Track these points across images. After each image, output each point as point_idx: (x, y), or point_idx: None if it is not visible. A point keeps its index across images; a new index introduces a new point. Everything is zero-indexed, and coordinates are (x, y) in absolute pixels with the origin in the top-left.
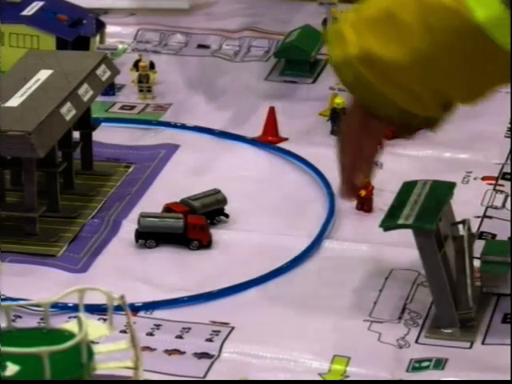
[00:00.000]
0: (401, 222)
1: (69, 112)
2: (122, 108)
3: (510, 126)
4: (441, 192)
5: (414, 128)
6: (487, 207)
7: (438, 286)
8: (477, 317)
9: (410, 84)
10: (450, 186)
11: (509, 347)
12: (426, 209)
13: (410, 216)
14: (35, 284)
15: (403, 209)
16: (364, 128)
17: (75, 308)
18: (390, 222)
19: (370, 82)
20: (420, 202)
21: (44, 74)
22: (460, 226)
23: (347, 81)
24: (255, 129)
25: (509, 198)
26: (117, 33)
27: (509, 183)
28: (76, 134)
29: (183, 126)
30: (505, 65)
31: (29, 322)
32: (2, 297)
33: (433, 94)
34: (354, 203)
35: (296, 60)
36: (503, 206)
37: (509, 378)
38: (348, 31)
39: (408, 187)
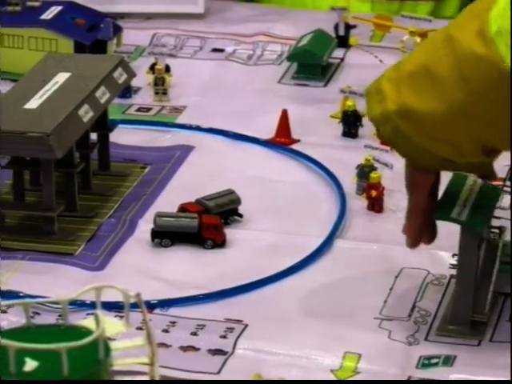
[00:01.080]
0: (454, 216)
1: (86, 114)
2: (139, 110)
3: None
4: (489, 195)
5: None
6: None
7: (465, 286)
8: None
9: (449, 135)
10: (497, 190)
11: None
12: (476, 209)
13: (462, 212)
14: (53, 282)
15: (455, 203)
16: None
17: (92, 305)
18: (443, 213)
19: (409, 136)
20: (471, 200)
21: (62, 77)
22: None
23: (386, 135)
24: (268, 131)
25: None
26: (133, 37)
27: None
28: (93, 136)
29: (198, 128)
30: None
31: (47, 318)
32: (21, 294)
33: (472, 143)
34: (365, 203)
35: (308, 64)
36: (511, 206)
37: None
38: (386, 87)
39: (459, 180)
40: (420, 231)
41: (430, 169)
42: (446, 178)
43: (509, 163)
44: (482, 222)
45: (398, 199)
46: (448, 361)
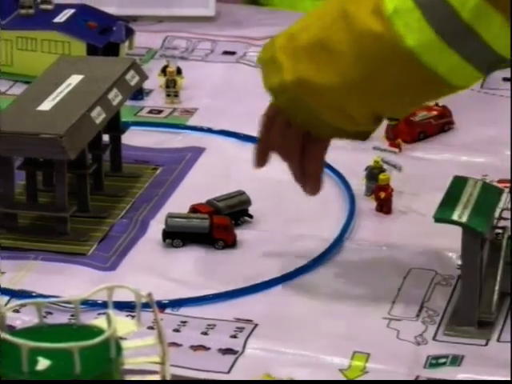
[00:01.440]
0: (455, 218)
1: (99, 116)
2: (150, 112)
3: None
4: (491, 196)
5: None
6: (503, 209)
7: (470, 286)
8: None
9: (345, 106)
10: (499, 191)
11: None
12: (477, 210)
13: (463, 214)
14: (66, 282)
15: (456, 205)
16: (301, 149)
17: (104, 305)
18: (445, 215)
19: (306, 105)
20: (472, 202)
21: (75, 79)
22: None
23: (283, 105)
24: None
25: None
26: (145, 39)
27: None
28: (106, 137)
29: (209, 130)
30: (432, 85)
31: (59, 318)
32: (33, 294)
33: (365, 114)
34: (374, 205)
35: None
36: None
37: None
38: (282, 57)
39: (459, 183)
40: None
41: (323, 137)
42: (446, 180)
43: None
44: (483, 222)
45: (406, 200)
46: (456, 360)
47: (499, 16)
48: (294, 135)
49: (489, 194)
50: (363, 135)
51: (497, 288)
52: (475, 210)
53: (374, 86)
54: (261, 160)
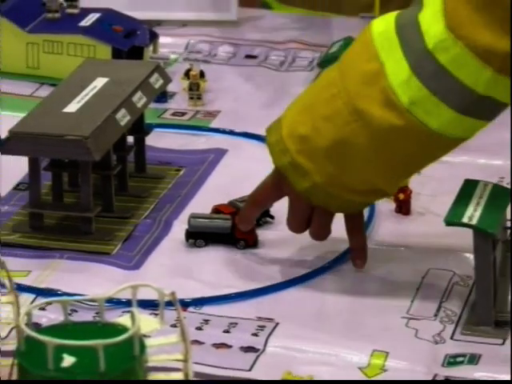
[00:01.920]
0: (465, 220)
1: (123, 118)
2: (174, 114)
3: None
4: (501, 197)
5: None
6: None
7: (484, 287)
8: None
9: (373, 185)
10: (508, 192)
11: None
12: (487, 212)
13: (473, 217)
14: (91, 280)
15: (466, 208)
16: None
17: (128, 303)
18: (455, 218)
19: (341, 197)
20: (482, 204)
21: (100, 82)
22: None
23: (319, 201)
24: None
25: None
26: (169, 43)
27: None
28: (130, 139)
29: (231, 132)
30: (450, 148)
31: (84, 316)
32: (59, 292)
33: (394, 185)
34: (393, 206)
35: None
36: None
37: None
38: (304, 162)
39: (470, 185)
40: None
41: (353, 213)
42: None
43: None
44: (494, 223)
45: (425, 202)
46: (473, 359)
47: (483, 65)
48: (305, 209)
49: (499, 195)
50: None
51: (510, 288)
52: (485, 212)
53: (407, 166)
54: (249, 224)
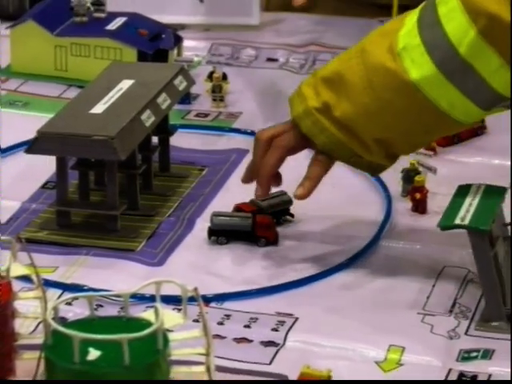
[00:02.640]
0: (457, 222)
1: (148, 119)
2: (197, 115)
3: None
4: (493, 195)
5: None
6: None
7: (489, 283)
8: None
9: (358, 132)
10: (502, 190)
11: None
12: (480, 211)
13: (465, 217)
14: (116, 276)
15: (459, 210)
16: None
17: (152, 299)
18: (448, 221)
19: (327, 129)
20: (475, 205)
21: (126, 84)
22: (509, 228)
23: (306, 129)
24: None
25: None
26: (193, 46)
27: None
28: (155, 139)
29: (253, 133)
30: (437, 119)
31: (110, 311)
32: (85, 287)
33: (377, 143)
34: (410, 205)
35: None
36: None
37: None
38: (306, 90)
39: (463, 191)
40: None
41: (340, 160)
42: (479, 182)
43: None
44: (486, 220)
45: (441, 201)
46: (487, 354)
47: (496, 56)
48: (292, 137)
49: (492, 194)
50: (377, 169)
51: (510, 284)
52: (478, 211)
53: (383, 115)
54: (249, 178)
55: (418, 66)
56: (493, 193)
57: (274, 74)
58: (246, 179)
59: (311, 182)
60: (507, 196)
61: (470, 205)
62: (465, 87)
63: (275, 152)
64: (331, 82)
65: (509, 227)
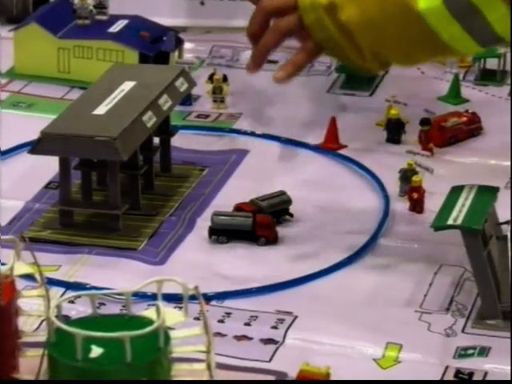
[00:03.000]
0: (450, 222)
1: (150, 120)
2: (198, 116)
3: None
4: (486, 195)
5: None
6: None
7: (484, 282)
8: None
9: (357, 39)
10: (494, 190)
11: None
12: (472, 211)
13: (458, 217)
14: (118, 275)
15: (452, 211)
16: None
17: (154, 297)
18: (441, 222)
19: (328, 28)
20: (467, 205)
21: (128, 86)
22: (504, 227)
23: (308, 22)
24: (318, 136)
25: None
26: (194, 49)
27: None
28: (156, 140)
29: (253, 134)
30: (436, 46)
31: (112, 309)
32: (87, 286)
33: (373, 54)
34: (407, 205)
35: (355, 75)
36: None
37: None
38: None
39: (456, 191)
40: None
41: (331, 56)
42: (475, 182)
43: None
44: (478, 220)
45: (437, 201)
46: (483, 352)
47: (504, 4)
48: (292, 21)
49: (484, 194)
50: (367, 71)
51: (511, 278)
52: (470, 211)
53: (386, 31)
54: (258, 61)
55: None
56: (485, 193)
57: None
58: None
59: (293, 68)
60: (507, 196)
61: (462, 205)
62: (469, 26)
63: (273, 36)
64: None
65: (505, 226)
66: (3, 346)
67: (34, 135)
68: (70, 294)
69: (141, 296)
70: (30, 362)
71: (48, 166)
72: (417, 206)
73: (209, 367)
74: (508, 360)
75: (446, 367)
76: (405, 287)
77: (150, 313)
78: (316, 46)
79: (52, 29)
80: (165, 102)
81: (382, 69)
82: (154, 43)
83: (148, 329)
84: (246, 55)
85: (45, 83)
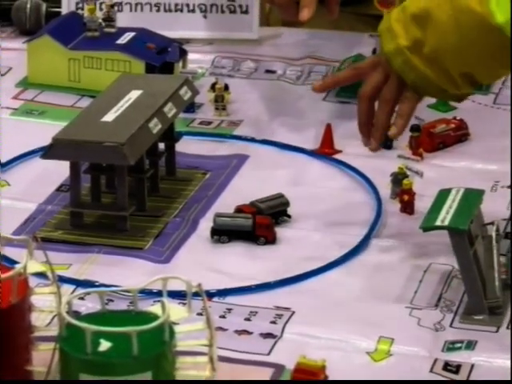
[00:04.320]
0: (438, 223)
1: (155, 126)
2: (201, 123)
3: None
4: (472, 198)
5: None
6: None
7: (470, 279)
8: (503, 305)
9: (446, 67)
10: (480, 192)
11: None
12: (459, 212)
13: (445, 219)
14: (125, 273)
15: (440, 212)
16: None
17: (159, 294)
18: (429, 223)
19: (416, 67)
20: (454, 207)
21: (135, 94)
22: (489, 227)
23: (397, 66)
24: (314, 142)
25: None
26: (197, 59)
27: None
28: (161, 145)
29: (252, 139)
30: None
31: (120, 305)
32: (97, 283)
33: (463, 77)
34: (399, 206)
35: (349, 83)
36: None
37: None
38: (396, 26)
39: (443, 194)
40: None
41: (427, 95)
42: (462, 185)
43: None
44: (465, 221)
45: (427, 203)
46: (470, 345)
47: None
48: (393, 87)
49: (470, 196)
50: (461, 97)
51: (496, 275)
52: (457, 213)
53: (469, 51)
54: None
55: (504, 10)
56: (471, 195)
57: (272, 84)
58: (364, 134)
59: (403, 120)
60: (492, 198)
61: (450, 207)
62: None
63: (385, 107)
64: (420, 19)
65: (490, 226)
66: (17, 340)
67: (46, 141)
68: (80, 291)
69: (147, 293)
70: (43, 355)
71: (59, 170)
72: (407, 207)
73: (211, 360)
74: (493, 353)
75: (435, 360)
76: (396, 284)
77: (155, 309)
78: (413, 92)
79: (63, 40)
80: (169, 109)
81: (474, 89)
82: (159, 54)
83: (154, 324)
84: (246, 65)
85: (56, 92)
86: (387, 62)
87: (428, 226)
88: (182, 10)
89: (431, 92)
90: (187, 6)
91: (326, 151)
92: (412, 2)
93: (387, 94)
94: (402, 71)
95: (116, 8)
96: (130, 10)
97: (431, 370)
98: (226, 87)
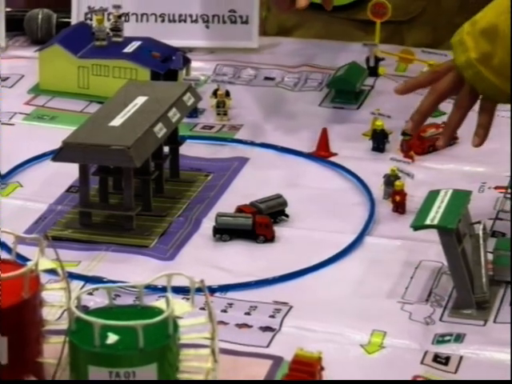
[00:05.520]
0: (427, 222)
1: (160, 130)
2: (203, 128)
3: None
4: (460, 198)
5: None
6: (499, 211)
7: (458, 275)
8: (490, 300)
9: None
10: (467, 193)
11: None
12: (448, 212)
13: (435, 218)
14: (131, 270)
15: (429, 212)
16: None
17: (164, 289)
18: (419, 222)
19: (487, 78)
20: (443, 207)
21: (140, 100)
22: (476, 226)
23: (469, 77)
24: (311, 145)
25: None
26: (200, 67)
27: None
28: (166, 149)
29: (252, 143)
30: None
31: (126, 300)
32: (104, 280)
33: None
34: (391, 207)
35: (344, 90)
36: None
37: None
38: (467, 39)
39: (433, 195)
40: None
41: (498, 102)
42: (451, 186)
43: (509, 174)
44: (453, 220)
45: (418, 203)
46: (459, 338)
47: None
48: (466, 95)
49: (458, 197)
50: None
51: (483, 272)
52: (446, 213)
53: None
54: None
55: None
56: (459, 196)
57: (270, 91)
58: (414, 122)
59: (484, 130)
60: (479, 199)
61: (439, 207)
62: None
63: (432, 97)
64: (488, 33)
65: (477, 225)
66: (29, 334)
67: (56, 145)
68: (89, 286)
69: (152, 288)
70: (53, 348)
71: (69, 172)
72: (399, 207)
73: (213, 352)
74: (480, 346)
75: (426, 352)
76: (388, 280)
77: (160, 303)
78: (490, 103)
79: (73, 49)
80: (174, 114)
81: None
82: (164, 62)
83: (158, 318)
84: (246, 73)
85: (66, 98)
86: (456, 71)
87: (418, 225)
88: (185, 21)
89: (501, 99)
90: (190, 16)
91: (321, 154)
92: (481, 16)
93: (463, 102)
94: (473, 82)
95: (123, 18)
96: (136, 21)
97: (422, 362)
98: (227, 93)
